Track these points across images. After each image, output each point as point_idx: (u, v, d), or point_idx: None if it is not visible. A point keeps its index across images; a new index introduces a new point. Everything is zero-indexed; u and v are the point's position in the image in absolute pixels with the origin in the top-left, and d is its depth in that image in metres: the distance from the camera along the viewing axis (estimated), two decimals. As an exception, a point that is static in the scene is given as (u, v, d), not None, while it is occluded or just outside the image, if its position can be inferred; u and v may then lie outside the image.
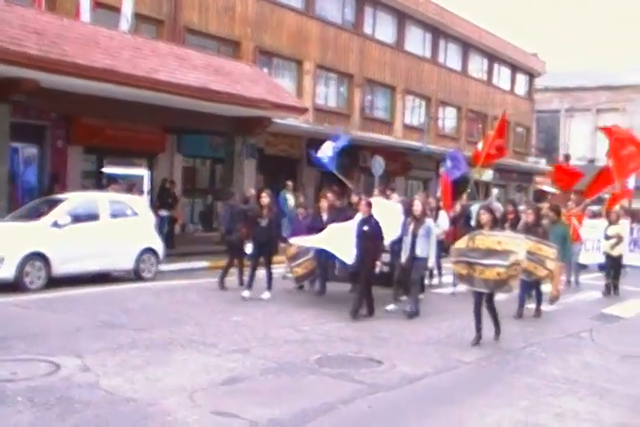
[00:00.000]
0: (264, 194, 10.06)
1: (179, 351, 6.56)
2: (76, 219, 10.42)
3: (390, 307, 9.13)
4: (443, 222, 11.33)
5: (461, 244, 7.53)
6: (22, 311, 8.31)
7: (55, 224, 10.12)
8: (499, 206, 12.69)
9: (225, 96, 14.04)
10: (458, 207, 12.26)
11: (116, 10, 14.35)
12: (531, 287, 9.46)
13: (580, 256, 13.26)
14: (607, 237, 12.37)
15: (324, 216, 10.48)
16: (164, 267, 12.26)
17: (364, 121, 23.26)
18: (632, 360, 7.29)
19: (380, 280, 9.40)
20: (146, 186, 16.64)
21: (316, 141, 20.70)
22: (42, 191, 13.60)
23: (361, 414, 5.12)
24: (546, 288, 9.96)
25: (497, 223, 7.70)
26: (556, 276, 9.62)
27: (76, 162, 14.82)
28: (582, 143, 37.66)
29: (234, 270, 10.83)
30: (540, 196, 27.90)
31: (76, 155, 14.84)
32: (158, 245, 11.86)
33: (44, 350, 6.32)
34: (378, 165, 20.59)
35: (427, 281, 11.47)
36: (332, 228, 9.68)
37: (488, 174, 26.92)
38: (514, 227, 9.49)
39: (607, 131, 12.83)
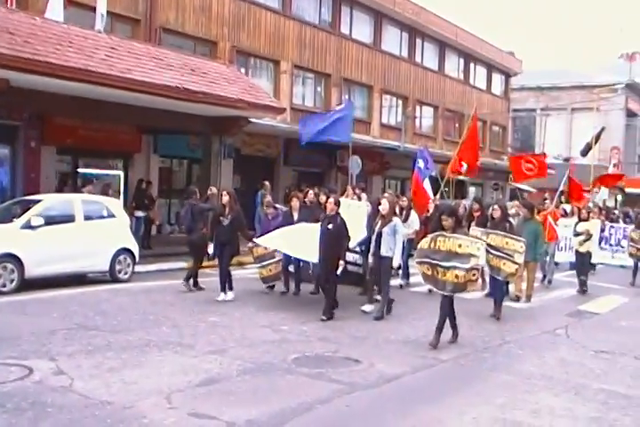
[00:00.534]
0: (224, 192, 9.91)
1: (155, 353, 6.51)
2: (51, 220, 10.28)
3: (365, 307, 9.11)
4: (413, 222, 11.35)
5: (424, 244, 7.46)
6: (-5, 315, 8.18)
7: (28, 226, 9.97)
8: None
9: (201, 96, 13.94)
10: (431, 207, 12.26)
11: (90, 8, 14.18)
12: (503, 285, 9.45)
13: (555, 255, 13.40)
14: (577, 234, 12.49)
15: (295, 216, 10.46)
16: (141, 268, 12.14)
17: (341, 121, 23.24)
18: (606, 356, 7.38)
19: (349, 279, 9.39)
20: (122, 186, 16.48)
21: (294, 141, 20.78)
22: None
23: (339, 414, 5.11)
24: (510, 288, 10.00)
25: (460, 225, 7.61)
26: (522, 271, 9.59)
27: (50, 163, 14.62)
28: (558, 142, 38.10)
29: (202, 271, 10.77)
30: (515, 194, 28.11)
31: (50, 155, 14.64)
32: (134, 246, 11.75)
33: (16, 353, 6.22)
34: (355, 164, 20.59)
35: (400, 281, 11.48)
36: (299, 227, 9.65)
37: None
38: (482, 225, 9.51)
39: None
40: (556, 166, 23.56)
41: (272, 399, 5.29)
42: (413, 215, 11.51)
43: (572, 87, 40.71)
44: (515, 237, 8.96)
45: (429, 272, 7.34)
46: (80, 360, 6.09)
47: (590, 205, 15.01)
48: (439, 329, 7.30)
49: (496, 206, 9.59)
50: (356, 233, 9.25)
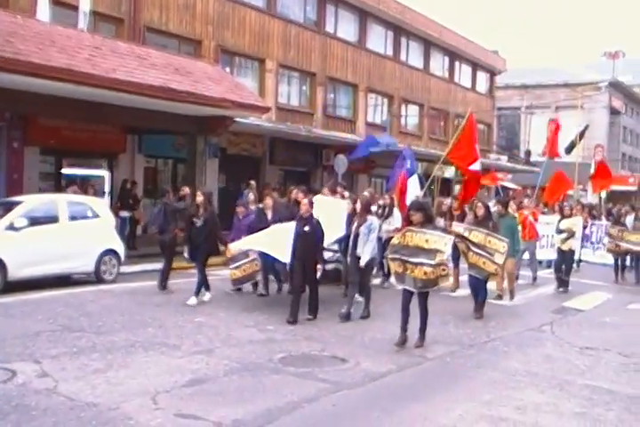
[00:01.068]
0: (198, 193, 9.75)
1: (141, 354, 6.47)
2: (34, 221, 10.18)
3: (344, 310, 9.00)
4: (395, 219, 11.32)
5: (395, 240, 7.42)
6: (-22, 317, 8.10)
7: (11, 227, 9.87)
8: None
9: (186, 95, 13.88)
10: None
11: (73, 8, 14.08)
12: (483, 284, 9.18)
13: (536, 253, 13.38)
14: (559, 231, 12.29)
15: (269, 214, 10.25)
16: (126, 269, 12.07)
17: (326, 119, 23.27)
18: (591, 352, 7.43)
19: (327, 278, 9.33)
20: (107, 187, 16.36)
21: (279, 140, 20.77)
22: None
23: (325, 413, 5.11)
24: (491, 286, 9.92)
25: (430, 221, 7.50)
26: (502, 272, 9.42)
27: (34, 163, 14.50)
28: (542, 140, 38.28)
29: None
30: (498, 191, 28.20)
31: (33, 156, 14.51)
32: (120, 247, 11.68)
33: (0, 356, 6.16)
34: (341, 163, 20.65)
35: (378, 280, 11.41)
36: (274, 229, 9.51)
37: (450, 171, 27.16)
38: (461, 222, 9.48)
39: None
40: (540, 164, 23.69)
41: (259, 399, 5.28)
42: (396, 213, 11.45)
43: (556, 85, 41.04)
44: (498, 236, 8.84)
45: (400, 269, 7.26)
46: (65, 362, 6.04)
47: (567, 203, 14.90)
48: (404, 329, 7.23)
49: (479, 204, 9.32)
50: (335, 230, 9.15)
